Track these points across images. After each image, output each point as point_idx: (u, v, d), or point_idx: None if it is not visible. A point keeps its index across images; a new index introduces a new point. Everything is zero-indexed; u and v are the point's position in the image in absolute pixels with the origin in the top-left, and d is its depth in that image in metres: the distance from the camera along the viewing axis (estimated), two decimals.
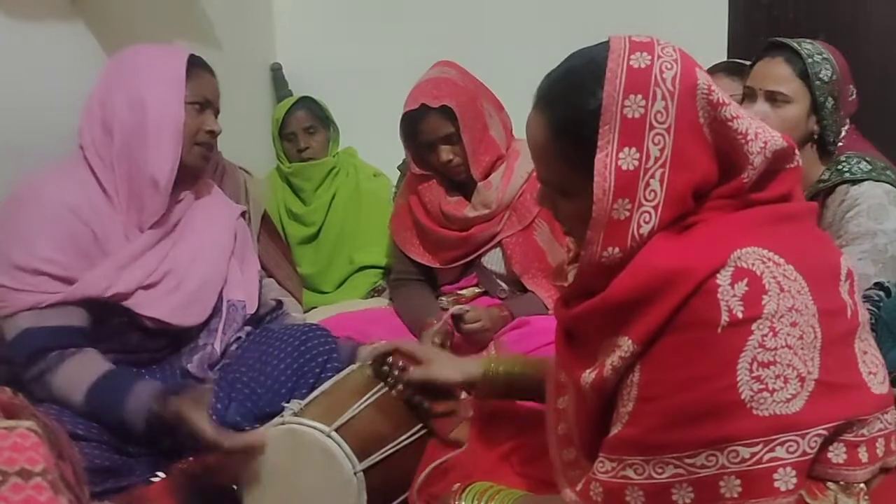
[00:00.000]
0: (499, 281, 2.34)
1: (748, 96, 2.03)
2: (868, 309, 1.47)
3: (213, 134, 1.75)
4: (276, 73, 3.16)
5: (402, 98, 2.24)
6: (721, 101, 1.00)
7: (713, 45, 2.90)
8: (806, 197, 1.87)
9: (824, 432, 0.94)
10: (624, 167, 0.97)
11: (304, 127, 2.79)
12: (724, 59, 2.72)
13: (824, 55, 1.97)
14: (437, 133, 2.21)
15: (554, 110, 1.03)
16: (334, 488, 1.35)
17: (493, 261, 2.32)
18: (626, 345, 0.98)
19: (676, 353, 0.95)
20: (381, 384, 1.47)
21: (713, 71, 2.39)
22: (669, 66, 0.99)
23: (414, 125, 2.24)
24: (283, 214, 2.83)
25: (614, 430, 1.01)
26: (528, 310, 2.20)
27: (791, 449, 0.93)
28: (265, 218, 2.45)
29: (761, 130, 1.02)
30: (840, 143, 2.01)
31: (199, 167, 1.77)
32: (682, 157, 0.98)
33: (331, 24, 3.17)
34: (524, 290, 2.29)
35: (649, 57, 0.99)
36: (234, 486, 1.42)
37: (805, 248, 1.00)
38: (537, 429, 1.28)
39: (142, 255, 1.67)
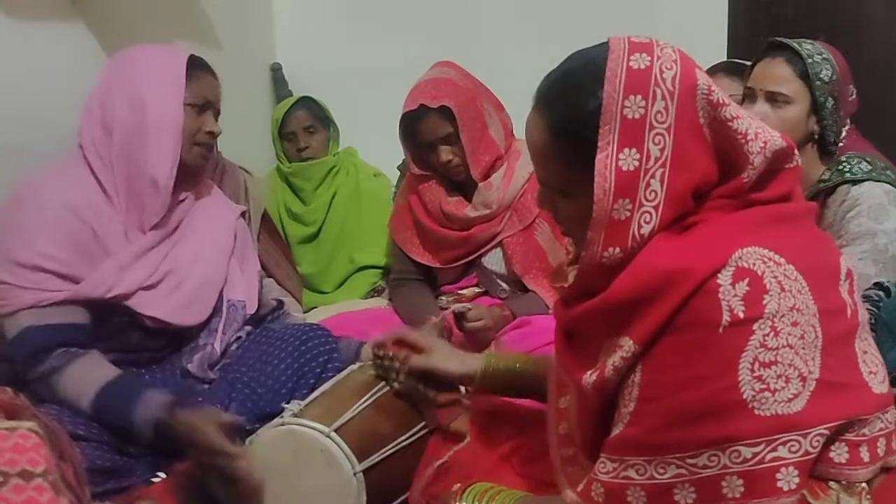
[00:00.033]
0: (499, 281, 2.34)
1: (748, 97, 2.03)
2: (868, 309, 1.47)
3: (213, 135, 1.75)
4: (276, 73, 3.15)
5: (402, 98, 2.24)
6: (721, 101, 1.00)
7: (713, 45, 2.90)
8: (807, 197, 1.87)
9: (826, 432, 0.95)
10: (624, 167, 0.97)
11: (304, 127, 2.79)
12: (724, 58, 2.73)
13: (824, 55, 1.97)
14: (436, 133, 2.21)
15: (553, 111, 1.03)
16: (334, 489, 1.35)
17: (493, 261, 2.32)
18: (627, 345, 0.98)
19: (677, 353, 0.95)
20: (382, 384, 1.47)
21: (713, 71, 2.39)
22: (669, 67, 0.99)
23: (413, 125, 2.24)
24: (283, 214, 2.82)
25: (616, 431, 1.01)
26: (529, 309, 2.20)
27: (793, 448, 0.93)
28: (265, 218, 2.45)
29: (761, 130, 1.02)
30: (840, 144, 2.01)
31: (198, 167, 1.77)
32: (682, 158, 0.98)
33: (331, 24, 3.17)
34: (524, 289, 2.29)
35: (649, 58, 0.99)
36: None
37: (805, 247, 1.00)
38: (537, 429, 1.28)
39: (143, 255, 1.67)
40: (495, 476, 1.28)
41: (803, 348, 0.94)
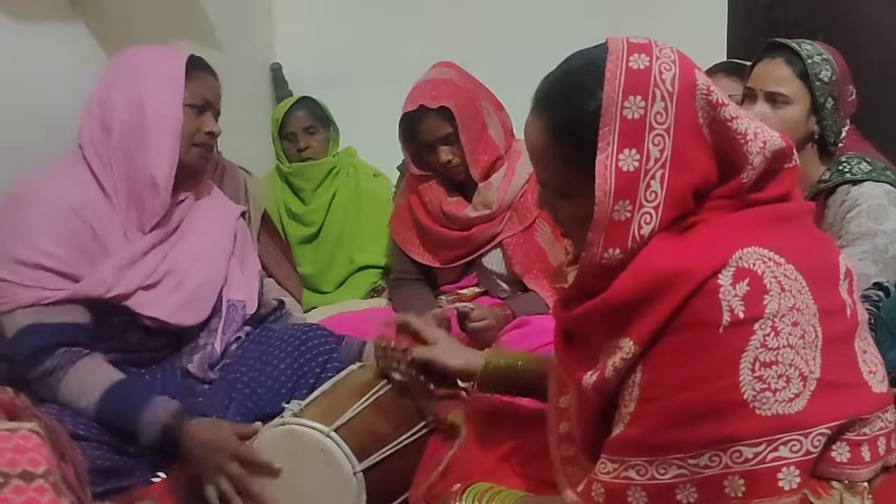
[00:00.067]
0: (499, 281, 2.34)
1: (748, 97, 2.03)
2: (867, 309, 1.47)
3: (212, 135, 1.74)
4: (276, 73, 3.16)
5: (401, 98, 2.25)
6: (720, 101, 1.00)
7: (712, 46, 2.90)
8: (807, 197, 1.88)
9: (827, 431, 0.95)
10: (624, 168, 0.97)
11: (303, 127, 2.79)
12: (724, 59, 2.73)
13: (824, 56, 1.97)
14: (435, 134, 2.21)
15: (553, 112, 1.03)
16: (334, 488, 1.35)
17: (493, 261, 2.33)
18: (627, 346, 0.98)
19: (678, 354, 0.95)
20: (382, 383, 1.47)
21: (713, 71, 2.39)
22: (668, 67, 0.99)
23: (413, 126, 2.24)
24: (283, 214, 2.83)
25: (616, 431, 1.01)
26: (530, 309, 2.20)
27: (794, 448, 0.93)
28: (265, 218, 2.45)
29: (760, 130, 1.02)
30: (840, 144, 2.01)
31: (198, 168, 1.77)
32: (682, 158, 0.98)
33: (331, 24, 3.17)
34: (524, 290, 2.29)
35: (648, 58, 0.99)
36: None
37: (805, 247, 1.00)
38: (537, 429, 1.28)
39: (143, 255, 1.67)
40: (495, 476, 1.28)
41: (804, 348, 0.94)
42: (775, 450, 0.92)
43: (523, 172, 2.26)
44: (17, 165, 1.73)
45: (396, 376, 1.46)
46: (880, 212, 1.92)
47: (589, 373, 1.04)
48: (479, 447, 1.38)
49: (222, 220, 1.86)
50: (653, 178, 0.97)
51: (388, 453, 1.39)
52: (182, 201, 1.75)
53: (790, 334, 0.93)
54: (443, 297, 2.36)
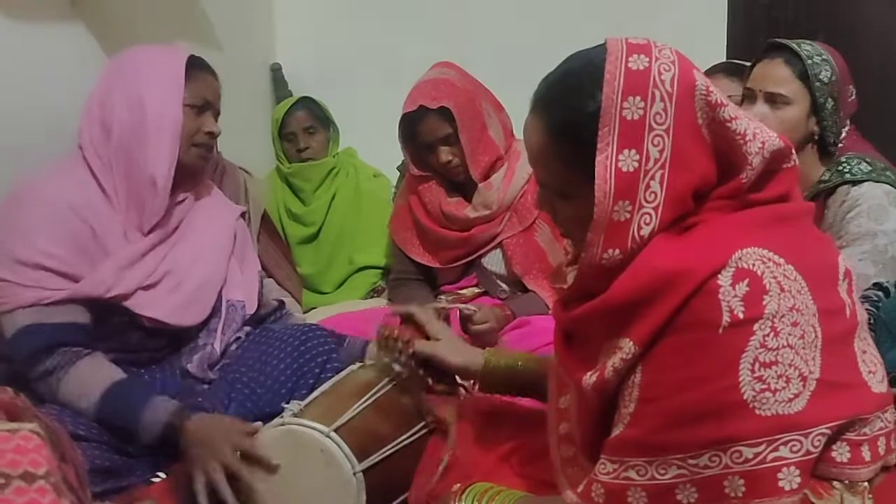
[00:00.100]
0: (499, 282, 2.34)
1: (748, 98, 2.03)
2: (867, 309, 1.47)
3: (212, 135, 1.74)
4: (276, 73, 3.16)
5: (401, 98, 2.25)
6: (719, 101, 1.01)
7: (712, 46, 2.91)
8: (806, 198, 1.88)
9: (827, 431, 0.95)
10: (624, 169, 0.97)
11: (303, 127, 2.79)
12: (723, 59, 2.73)
13: (824, 56, 1.97)
14: (435, 134, 2.21)
15: (552, 113, 1.03)
16: (334, 489, 1.35)
17: (493, 261, 2.33)
18: (627, 346, 0.98)
19: (677, 354, 0.95)
20: (382, 383, 1.47)
21: (712, 72, 2.39)
22: (667, 68, 0.99)
23: (413, 126, 2.24)
24: (282, 214, 2.83)
25: (616, 432, 1.01)
26: (530, 309, 2.20)
27: (794, 448, 0.93)
28: (265, 218, 2.45)
29: (759, 131, 1.02)
30: (840, 144, 2.01)
31: (197, 168, 1.77)
32: (681, 158, 0.99)
33: (331, 24, 3.17)
34: (524, 290, 2.30)
35: (647, 59, 0.99)
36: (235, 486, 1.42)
37: (804, 247, 1.00)
38: (537, 429, 1.28)
39: (142, 256, 1.67)
40: (495, 476, 1.28)
41: (803, 348, 0.94)
42: (775, 450, 0.92)
43: (523, 173, 2.26)
44: (17, 165, 1.73)
45: (396, 367, 1.45)
46: (880, 212, 1.92)
47: (589, 373, 1.04)
48: (479, 447, 1.38)
49: (222, 220, 1.86)
50: (652, 178, 0.98)
51: (388, 453, 1.39)
52: (182, 201, 1.75)
53: (790, 334, 0.93)
54: (442, 297, 2.36)
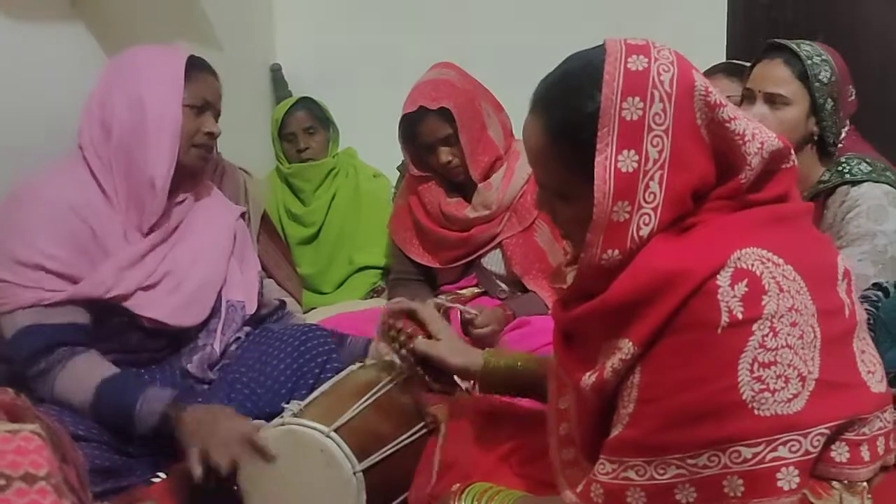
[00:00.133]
0: (498, 282, 2.34)
1: (747, 98, 2.03)
2: (867, 309, 1.48)
3: (212, 136, 1.74)
4: (276, 73, 3.16)
5: (401, 99, 2.25)
6: (718, 102, 1.01)
7: (712, 46, 2.91)
8: (806, 198, 1.88)
9: (826, 431, 0.95)
10: (623, 169, 0.97)
11: (303, 127, 2.79)
12: (723, 59, 2.73)
13: (823, 56, 1.97)
14: (435, 135, 2.21)
15: (551, 114, 1.03)
16: (334, 488, 1.35)
17: (492, 262, 2.33)
18: (626, 347, 0.98)
19: (676, 355, 0.95)
20: (382, 383, 1.47)
21: (712, 72, 2.40)
22: (666, 69, 0.99)
23: (412, 127, 2.24)
24: (282, 215, 2.83)
25: (615, 432, 1.01)
26: (530, 310, 2.20)
27: (793, 448, 0.93)
28: (265, 218, 2.45)
29: (758, 131, 1.02)
30: (840, 145, 2.01)
31: (197, 168, 1.77)
32: (680, 159, 0.99)
33: (331, 24, 3.17)
34: (524, 290, 2.30)
35: (646, 59, 0.99)
36: (235, 487, 1.42)
37: (803, 248, 1.00)
38: (537, 429, 1.28)
39: (142, 256, 1.67)
40: (494, 476, 1.28)
41: (802, 348, 0.94)
42: (774, 450, 0.93)
43: (522, 173, 2.26)
44: (17, 165, 1.73)
45: (396, 360, 1.45)
46: (880, 212, 1.92)
47: (588, 374, 1.04)
48: (479, 447, 1.38)
49: (222, 220, 1.86)
50: (651, 179, 0.98)
51: (388, 453, 1.39)
52: (181, 202, 1.75)
53: (789, 335, 0.93)
54: (442, 297, 2.36)
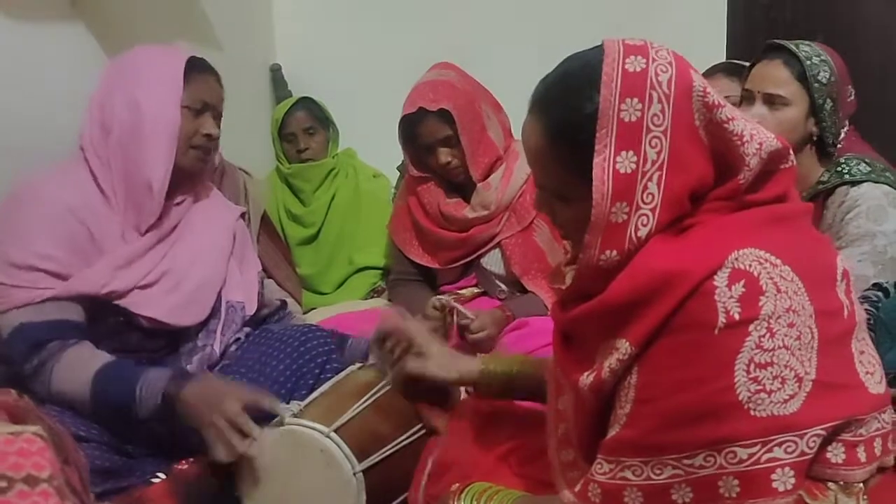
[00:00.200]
0: (498, 282, 2.35)
1: (746, 99, 2.03)
2: (866, 310, 1.48)
3: (210, 138, 1.73)
4: (276, 73, 3.16)
5: (401, 99, 2.25)
6: (716, 103, 1.01)
7: (712, 46, 2.91)
8: (805, 198, 1.88)
9: (822, 432, 0.95)
10: (622, 171, 0.97)
11: (303, 128, 2.79)
12: (723, 59, 2.73)
13: (822, 57, 1.97)
14: (435, 136, 2.21)
15: (550, 114, 1.03)
16: (334, 489, 1.35)
17: (492, 262, 2.33)
18: (623, 347, 0.98)
19: (673, 355, 0.95)
20: (382, 384, 1.48)
21: (712, 72, 2.40)
22: (664, 70, 0.99)
23: (412, 128, 2.24)
24: (282, 215, 2.83)
25: (612, 432, 1.01)
26: (529, 310, 2.20)
27: (789, 449, 0.93)
28: (265, 219, 2.45)
29: (756, 132, 1.02)
30: (839, 145, 2.01)
31: (195, 170, 1.76)
32: (678, 160, 0.99)
33: (331, 24, 3.17)
34: (523, 290, 2.30)
35: (644, 60, 0.99)
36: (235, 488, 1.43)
37: (801, 248, 1.01)
38: (536, 429, 1.28)
39: (139, 257, 1.67)
40: (494, 476, 1.28)
41: (799, 349, 0.94)
42: (770, 451, 0.93)
43: (521, 173, 2.26)
44: (17, 165, 1.73)
45: (388, 381, 1.46)
46: (879, 213, 1.92)
47: (585, 374, 1.05)
48: (479, 447, 1.38)
49: (221, 221, 1.86)
50: (650, 180, 0.98)
51: (387, 453, 1.39)
52: (180, 203, 1.75)
53: (786, 335, 0.93)
54: (442, 298, 2.36)
